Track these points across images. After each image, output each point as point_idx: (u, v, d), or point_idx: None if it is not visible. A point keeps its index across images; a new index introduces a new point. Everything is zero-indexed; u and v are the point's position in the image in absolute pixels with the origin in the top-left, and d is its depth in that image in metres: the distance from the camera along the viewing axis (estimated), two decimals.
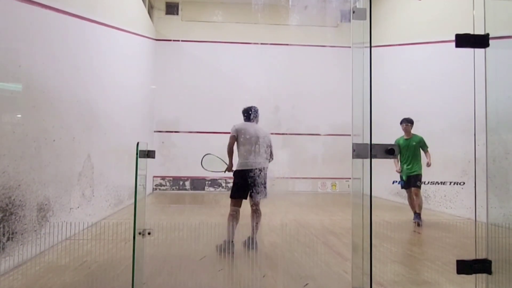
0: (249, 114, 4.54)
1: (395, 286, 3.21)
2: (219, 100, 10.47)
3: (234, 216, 4.23)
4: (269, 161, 4.52)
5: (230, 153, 4.41)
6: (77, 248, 4.12)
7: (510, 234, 2.61)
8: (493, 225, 2.53)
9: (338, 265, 3.79)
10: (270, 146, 4.50)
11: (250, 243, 4.21)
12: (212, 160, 4.84)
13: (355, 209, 2.24)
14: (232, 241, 4.09)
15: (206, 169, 4.76)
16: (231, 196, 4.32)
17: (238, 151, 4.38)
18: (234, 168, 4.43)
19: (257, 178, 4.27)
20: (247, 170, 4.29)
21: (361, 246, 2.16)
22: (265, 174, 4.37)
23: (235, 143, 4.40)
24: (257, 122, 4.57)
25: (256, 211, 4.35)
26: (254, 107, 4.59)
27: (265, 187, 4.35)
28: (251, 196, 4.34)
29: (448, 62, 7.19)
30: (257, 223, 4.32)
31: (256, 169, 4.29)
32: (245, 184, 4.28)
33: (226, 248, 4.03)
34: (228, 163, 4.44)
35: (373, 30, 2.12)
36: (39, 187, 4.02)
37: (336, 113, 10.14)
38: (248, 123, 4.50)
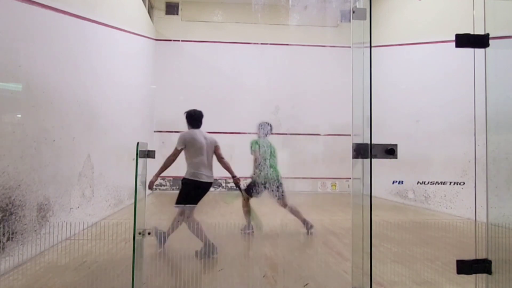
0: (198, 120, 4.36)
1: (395, 286, 3.21)
2: (219, 100, 10.46)
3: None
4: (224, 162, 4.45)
5: (166, 167, 4.18)
6: (77, 248, 4.12)
7: (510, 234, 2.61)
8: (493, 225, 2.53)
9: (338, 265, 3.79)
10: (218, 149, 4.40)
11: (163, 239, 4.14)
12: None
13: (355, 209, 2.24)
14: (212, 243, 3.95)
15: None
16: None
17: (190, 161, 4.21)
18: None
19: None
20: (200, 182, 4.18)
21: (361, 246, 2.16)
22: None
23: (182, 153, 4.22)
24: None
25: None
26: (200, 111, 4.41)
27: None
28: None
29: (448, 62, 7.20)
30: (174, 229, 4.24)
31: (207, 182, 4.24)
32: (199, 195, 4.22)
33: (208, 252, 3.89)
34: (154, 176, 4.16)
35: (373, 30, 2.12)
36: (39, 187, 4.02)
37: (336, 113, 10.14)
38: (197, 131, 4.31)
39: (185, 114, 4.41)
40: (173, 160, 4.17)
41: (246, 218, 5.15)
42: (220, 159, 4.43)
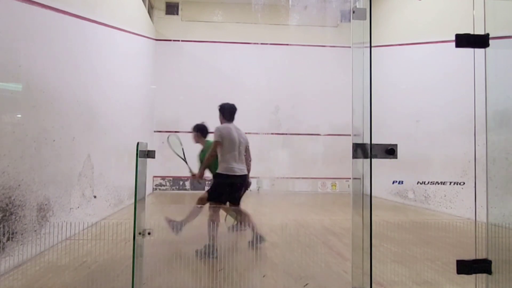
0: (233, 113, 4.39)
1: (395, 286, 3.21)
2: (219, 100, 10.38)
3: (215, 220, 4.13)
4: (250, 161, 4.47)
5: (209, 162, 4.21)
6: (77, 248, 4.12)
7: (510, 234, 2.61)
8: (493, 225, 2.53)
9: (338, 265, 3.79)
10: (248, 148, 4.45)
11: (256, 240, 4.20)
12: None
13: (355, 209, 2.24)
14: (213, 244, 3.92)
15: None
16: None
17: (222, 156, 4.21)
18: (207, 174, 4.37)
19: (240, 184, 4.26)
20: (232, 176, 4.18)
21: (361, 246, 2.16)
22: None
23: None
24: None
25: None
26: (233, 104, 4.43)
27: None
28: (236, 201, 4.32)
29: (448, 62, 7.20)
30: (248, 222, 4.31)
31: (240, 175, 4.24)
32: (228, 189, 4.23)
33: (208, 252, 3.85)
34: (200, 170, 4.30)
35: (373, 30, 2.12)
36: (39, 187, 4.02)
37: (336, 113, 10.15)
38: (230, 125, 4.30)
39: (220, 107, 4.41)
40: (216, 153, 4.18)
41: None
42: (248, 161, 4.43)
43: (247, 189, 4.80)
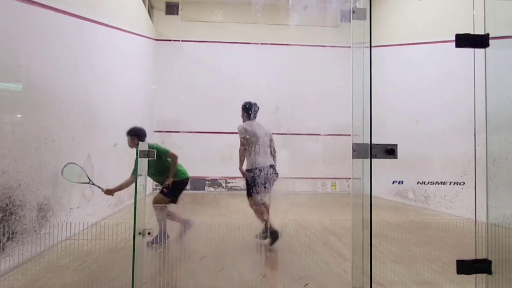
0: (254, 111, 4.59)
1: (395, 286, 3.21)
2: (219, 100, 10.47)
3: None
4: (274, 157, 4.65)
5: (243, 157, 4.45)
6: (77, 248, 4.12)
7: (510, 234, 2.61)
8: (493, 225, 2.54)
9: (338, 265, 3.79)
10: (272, 141, 4.65)
11: (262, 234, 4.39)
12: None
13: (355, 209, 2.24)
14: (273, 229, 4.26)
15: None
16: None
17: (247, 152, 4.46)
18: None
19: (260, 177, 4.40)
20: (256, 168, 4.41)
21: (361, 246, 2.17)
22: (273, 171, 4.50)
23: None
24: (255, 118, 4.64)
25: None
26: (255, 103, 4.64)
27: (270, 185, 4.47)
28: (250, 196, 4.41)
29: (448, 62, 7.19)
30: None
31: (266, 167, 4.43)
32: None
33: (270, 234, 4.23)
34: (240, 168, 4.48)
35: (373, 30, 2.12)
36: (39, 187, 4.02)
37: (336, 113, 10.13)
38: (252, 122, 4.54)
39: (243, 105, 4.61)
40: (245, 150, 4.43)
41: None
42: (273, 153, 4.62)
43: (275, 180, 4.84)
